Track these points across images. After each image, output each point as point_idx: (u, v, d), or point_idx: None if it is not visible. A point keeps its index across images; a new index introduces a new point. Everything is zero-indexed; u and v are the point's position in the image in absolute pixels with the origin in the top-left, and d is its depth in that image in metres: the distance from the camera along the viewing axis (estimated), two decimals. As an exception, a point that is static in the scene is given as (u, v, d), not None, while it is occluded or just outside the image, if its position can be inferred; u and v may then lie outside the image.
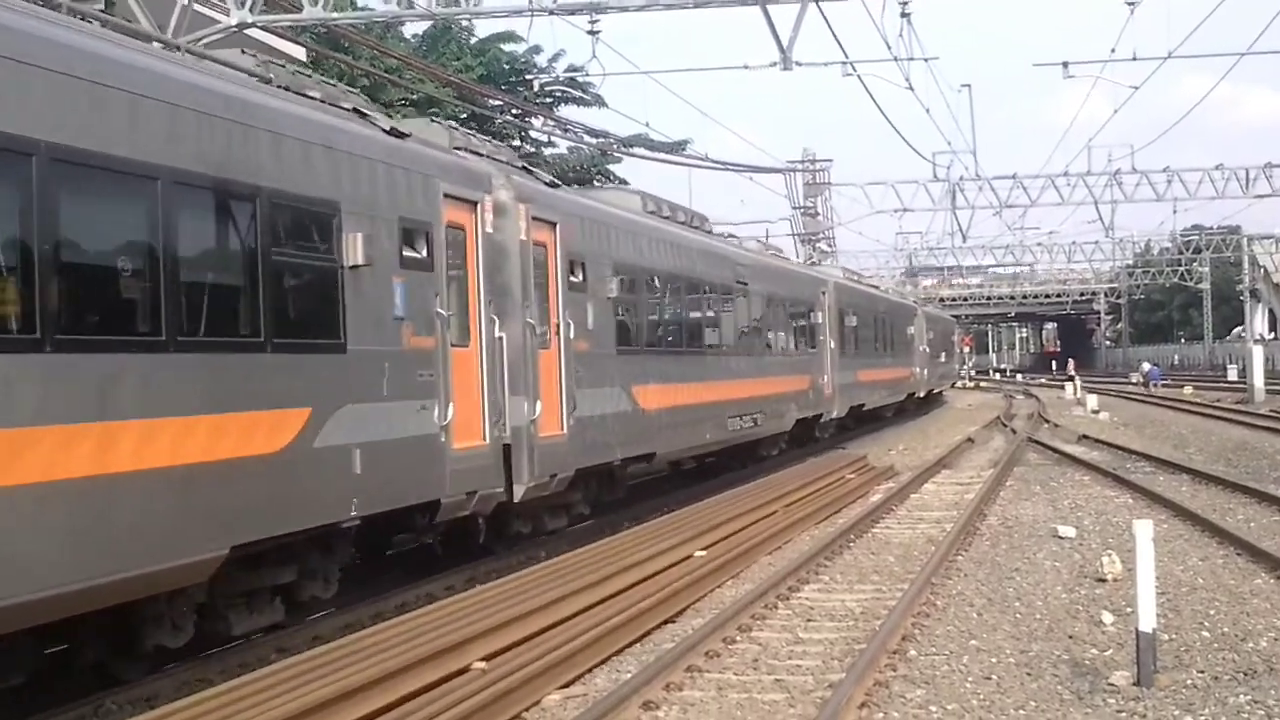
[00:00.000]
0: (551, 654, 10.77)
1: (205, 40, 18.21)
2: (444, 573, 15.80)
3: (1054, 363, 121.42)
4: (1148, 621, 10.37)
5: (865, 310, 42.31)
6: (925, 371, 55.85)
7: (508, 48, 41.50)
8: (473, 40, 40.94)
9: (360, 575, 16.25)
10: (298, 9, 21.56)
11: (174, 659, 11.38)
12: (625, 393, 19.95)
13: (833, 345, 35.97)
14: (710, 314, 25.73)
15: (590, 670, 11.10)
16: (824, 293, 35.81)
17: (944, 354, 65.97)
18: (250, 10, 20.15)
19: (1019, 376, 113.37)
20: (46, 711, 10.09)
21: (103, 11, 12.27)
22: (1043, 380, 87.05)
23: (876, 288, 52.89)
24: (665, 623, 12.96)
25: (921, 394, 55.57)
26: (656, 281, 22.14)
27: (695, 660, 11.16)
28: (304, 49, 25.43)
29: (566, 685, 10.60)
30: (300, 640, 12.41)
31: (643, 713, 9.79)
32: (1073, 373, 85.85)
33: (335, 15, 22.77)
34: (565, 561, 14.80)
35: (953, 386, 75.17)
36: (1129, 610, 12.23)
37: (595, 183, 32.73)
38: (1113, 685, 10.36)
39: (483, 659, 10.72)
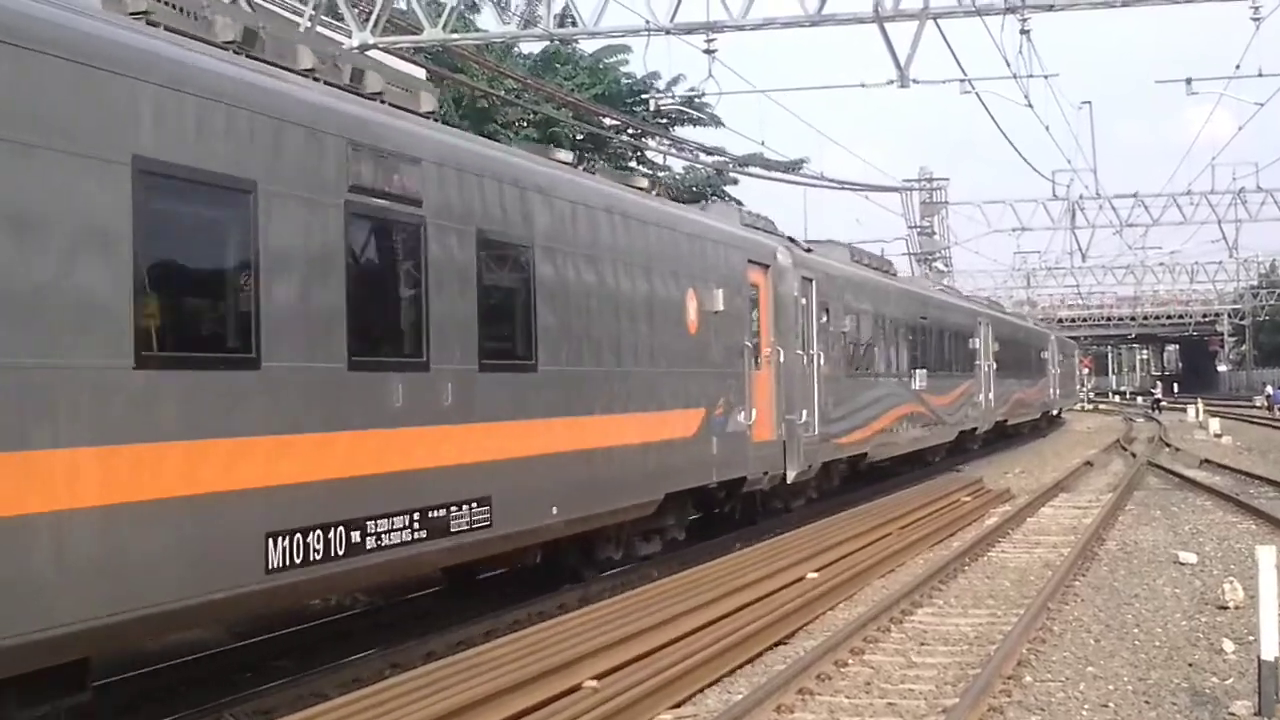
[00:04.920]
0: (663, 674, 10.76)
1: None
2: (557, 591, 15.87)
3: (1174, 385, 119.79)
4: (1270, 650, 10.14)
5: (1070, 351, 67.27)
6: (1081, 389, 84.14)
7: (625, 68, 41.49)
8: (585, 58, 40.87)
9: (472, 591, 16.38)
10: (417, 30, 21.86)
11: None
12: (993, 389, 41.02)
13: (1053, 372, 56.93)
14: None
15: (701, 690, 11.08)
16: (1050, 342, 57.90)
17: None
18: (372, 32, 20.46)
19: (1139, 399, 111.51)
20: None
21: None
22: (1164, 403, 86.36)
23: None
24: (777, 644, 12.92)
25: (1077, 407, 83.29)
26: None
27: (807, 682, 11.10)
28: (423, 69, 25.74)
29: (677, 705, 10.60)
30: (414, 657, 12.52)
31: (753, 734, 9.76)
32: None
33: (455, 36, 23.06)
34: (676, 581, 14.80)
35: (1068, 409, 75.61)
36: (1251, 639, 11.96)
37: (708, 202, 33.60)
38: (1233, 715, 10.18)
39: (594, 677, 10.73)
